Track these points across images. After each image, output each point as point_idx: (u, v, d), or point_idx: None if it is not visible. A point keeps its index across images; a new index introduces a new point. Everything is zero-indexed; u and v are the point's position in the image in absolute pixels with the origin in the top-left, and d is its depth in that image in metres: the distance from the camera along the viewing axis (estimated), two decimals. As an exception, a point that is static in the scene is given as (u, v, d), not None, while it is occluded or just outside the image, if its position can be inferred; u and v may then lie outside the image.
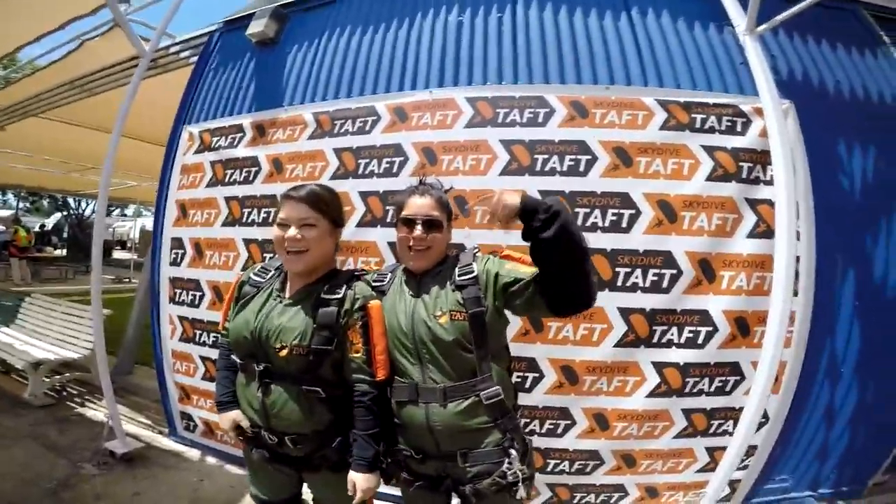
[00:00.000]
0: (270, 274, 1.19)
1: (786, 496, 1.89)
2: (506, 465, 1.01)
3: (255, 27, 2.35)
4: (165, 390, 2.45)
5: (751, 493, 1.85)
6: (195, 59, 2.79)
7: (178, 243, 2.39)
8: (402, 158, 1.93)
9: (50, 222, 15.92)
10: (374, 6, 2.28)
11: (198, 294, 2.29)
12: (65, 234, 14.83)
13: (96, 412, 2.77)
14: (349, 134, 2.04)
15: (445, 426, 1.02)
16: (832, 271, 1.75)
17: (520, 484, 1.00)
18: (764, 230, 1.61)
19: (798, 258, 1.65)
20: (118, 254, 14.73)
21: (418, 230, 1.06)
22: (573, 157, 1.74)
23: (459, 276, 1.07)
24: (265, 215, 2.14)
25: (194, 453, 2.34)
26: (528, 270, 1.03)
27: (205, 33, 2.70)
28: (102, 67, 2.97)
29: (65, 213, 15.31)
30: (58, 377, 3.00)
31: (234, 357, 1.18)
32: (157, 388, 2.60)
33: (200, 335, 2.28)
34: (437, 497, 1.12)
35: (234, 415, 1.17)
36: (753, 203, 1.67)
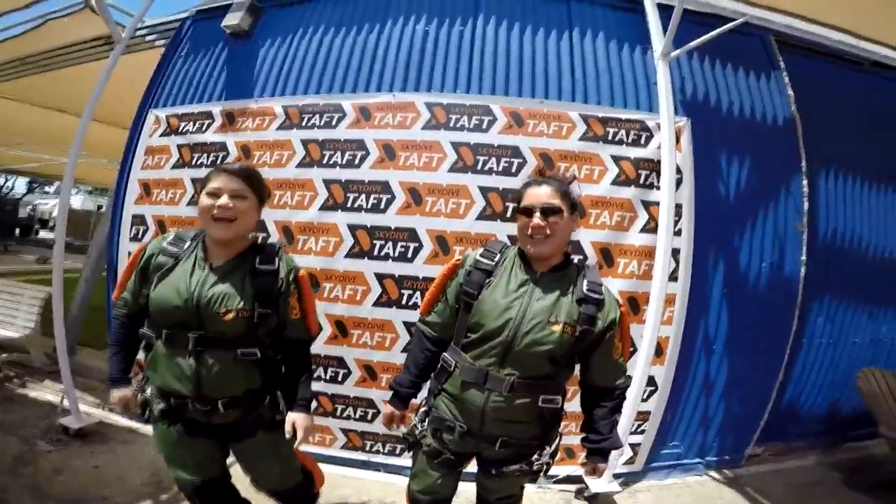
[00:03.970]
0: (187, 244, 1.21)
1: (679, 462, 2.33)
2: (535, 457, 1.15)
3: (230, 19, 2.63)
4: (120, 366, 2.63)
5: (651, 458, 2.28)
6: (160, 42, 3.00)
7: (140, 220, 2.63)
8: (363, 152, 2.31)
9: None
10: (347, 9, 2.61)
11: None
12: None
13: (40, 392, 2.88)
14: (316, 127, 2.39)
15: (498, 414, 1.11)
16: (705, 262, 2.30)
17: (542, 474, 1.17)
18: (653, 226, 2.13)
19: (678, 250, 2.20)
20: (45, 233, 14.12)
21: (536, 218, 1.10)
22: (507, 159, 2.21)
23: (588, 290, 1.11)
24: (232, 197, 2.43)
25: (149, 429, 2.48)
26: (613, 366, 1.15)
27: (176, 20, 2.94)
28: (59, 46, 3.08)
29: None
30: (-7, 359, 3.05)
31: (144, 330, 1.22)
32: (103, 367, 2.72)
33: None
34: (454, 475, 1.25)
35: (128, 391, 1.25)
36: (647, 204, 2.20)
